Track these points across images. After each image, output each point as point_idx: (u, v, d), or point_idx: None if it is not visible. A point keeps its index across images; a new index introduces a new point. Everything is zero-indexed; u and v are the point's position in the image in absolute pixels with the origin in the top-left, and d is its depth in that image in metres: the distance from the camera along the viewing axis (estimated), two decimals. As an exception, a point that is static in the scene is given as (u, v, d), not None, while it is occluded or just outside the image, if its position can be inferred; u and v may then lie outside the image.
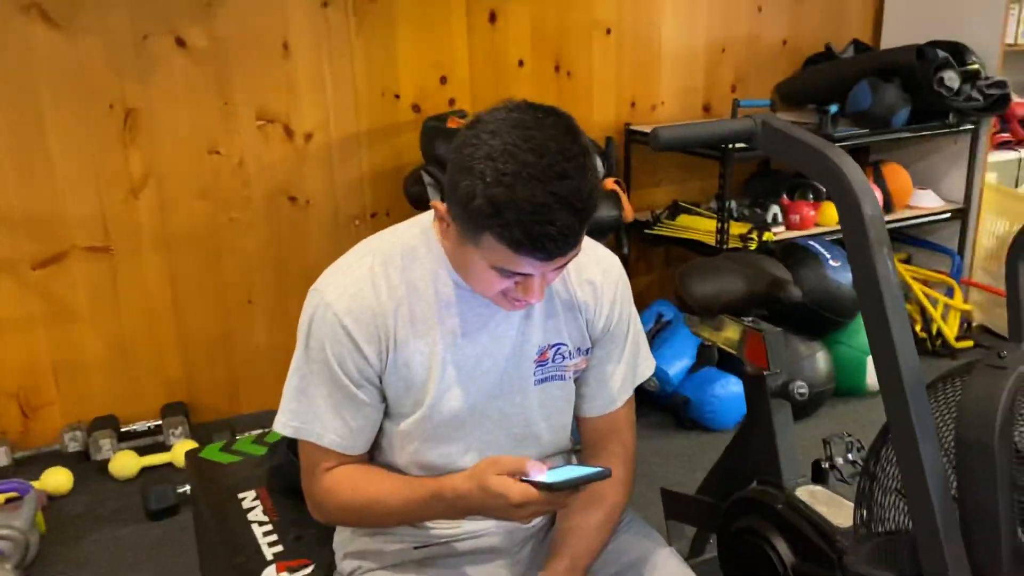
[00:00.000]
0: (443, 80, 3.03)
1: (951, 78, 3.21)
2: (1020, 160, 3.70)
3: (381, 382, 1.18)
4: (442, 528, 1.24)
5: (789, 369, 1.93)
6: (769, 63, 3.64)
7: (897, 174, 3.49)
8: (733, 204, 3.19)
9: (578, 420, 1.33)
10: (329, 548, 1.44)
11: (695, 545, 2.09)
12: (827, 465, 1.76)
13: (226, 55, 2.73)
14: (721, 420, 2.87)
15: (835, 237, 3.19)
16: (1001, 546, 1.19)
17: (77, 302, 2.73)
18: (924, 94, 3.20)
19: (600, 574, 1.27)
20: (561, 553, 1.21)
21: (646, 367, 1.35)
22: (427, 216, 1.22)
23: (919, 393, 1.21)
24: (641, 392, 3.13)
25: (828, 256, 2.94)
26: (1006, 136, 3.70)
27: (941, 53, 3.23)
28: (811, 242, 3.03)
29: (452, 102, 3.06)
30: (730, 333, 1.84)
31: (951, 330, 3.46)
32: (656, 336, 3.03)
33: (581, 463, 1.35)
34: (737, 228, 3.09)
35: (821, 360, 2.96)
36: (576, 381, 1.29)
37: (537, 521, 1.30)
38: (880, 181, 3.44)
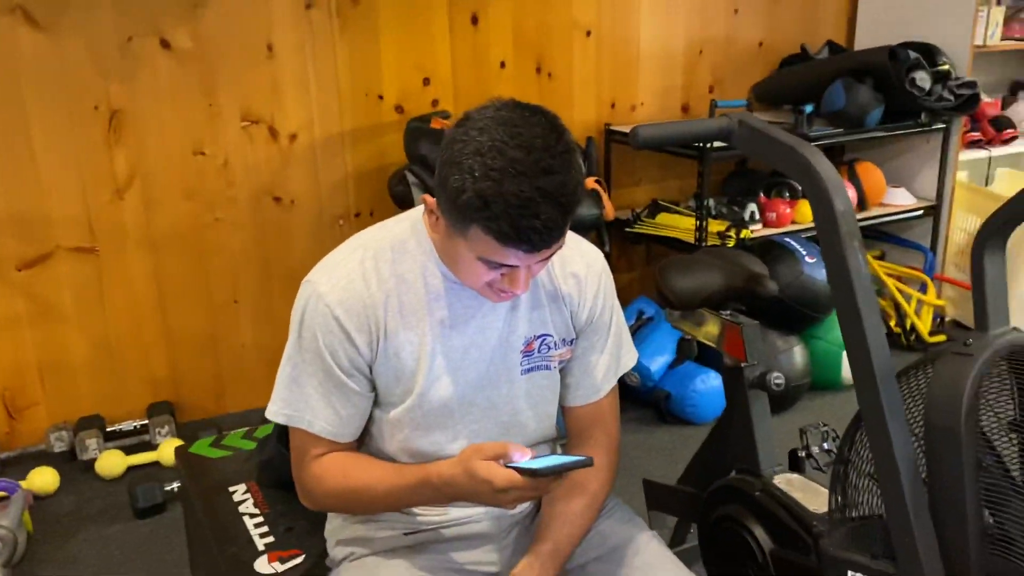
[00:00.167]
0: (426, 81, 3.07)
1: (922, 78, 3.29)
2: (990, 159, 3.78)
3: (371, 372, 1.22)
4: (431, 515, 1.28)
5: (766, 361, 1.99)
6: (746, 64, 3.70)
7: (871, 172, 3.56)
8: (711, 202, 3.24)
9: (563, 410, 1.38)
10: (319, 538, 1.47)
11: (677, 534, 2.13)
12: (803, 454, 1.81)
13: (211, 56, 2.75)
14: (701, 414, 2.92)
15: (811, 234, 3.25)
16: (968, 526, 1.25)
17: (63, 302, 2.74)
18: (896, 94, 3.27)
19: (584, 558, 1.31)
20: (545, 537, 1.25)
21: (629, 358, 1.40)
22: (417, 211, 1.26)
23: (889, 380, 1.27)
24: (623, 387, 3.19)
25: (804, 253, 3.00)
26: (976, 135, 3.78)
27: (913, 54, 3.31)
28: (787, 239, 3.09)
29: (435, 103, 3.10)
30: (710, 327, 1.89)
31: (924, 325, 3.54)
32: (637, 332, 3.08)
33: (565, 452, 1.40)
34: (715, 226, 3.15)
35: (798, 354, 3.02)
36: (561, 371, 1.34)
37: (523, 508, 1.35)
38: (855, 179, 3.51)
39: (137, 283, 2.82)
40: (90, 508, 2.54)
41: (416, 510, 1.28)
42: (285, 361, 1.23)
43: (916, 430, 1.31)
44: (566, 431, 1.40)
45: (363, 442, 1.29)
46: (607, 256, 3.16)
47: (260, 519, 1.59)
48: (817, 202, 1.27)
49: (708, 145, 2.95)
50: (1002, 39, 3.68)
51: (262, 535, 1.54)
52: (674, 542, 2.13)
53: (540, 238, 1.06)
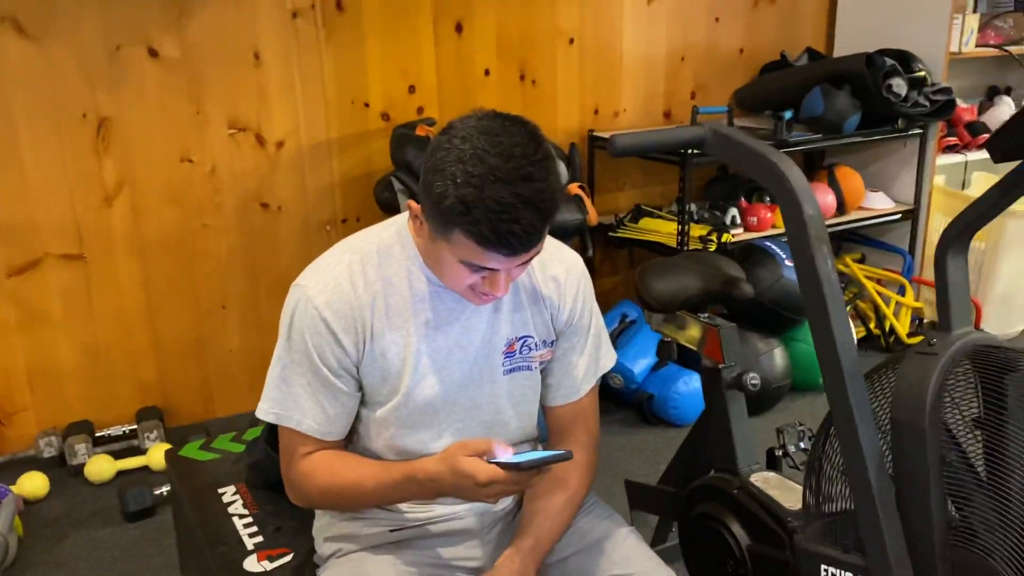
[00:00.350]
0: (411, 89, 3.11)
1: (899, 85, 3.35)
2: (966, 163, 3.86)
3: (358, 372, 1.26)
4: (416, 512, 1.32)
5: (745, 363, 2.04)
6: (727, 71, 3.76)
7: (850, 177, 3.62)
8: (693, 207, 3.30)
9: (545, 410, 1.42)
10: (306, 537, 1.51)
11: (658, 533, 2.18)
12: (780, 453, 1.86)
13: (198, 65, 2.78)
14: (684, 415, 2.97)
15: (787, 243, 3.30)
16: (933, 518, 1.29)
17: (51, 309, 2.77)
18: (874, 100, 3.33)
19: (564, 552, 1.36)
20: (526, 533, 1.30)
21: (608, 359, 1.44)
22: (402, 217, 1.30)
23: (857, 379, 1.31)
24: (606, 389, 3.25)
25: (784, 257, 3.06)
26: (953, 140, 3.85)
27: (889, 61, 3.37)
28: (768, 243, 3.15)
29: (420, 110, 3.14)
30: (692, 331, 1.93)
31: (903, 327, 3.60)
32: (620, 335, 3.13)
33: (546, 449, 1.44)
34: (697, 230, 3.20)
35: (778, 356, 3.08)
36: (542, 372, 1.38)
37: (505, 504, 1.39)
38: (834, 184, 3.57)
39: (125, 289, 2.85)
40: (80, 512, 2.56)
41: (402, 507, 1.32)
42: (275, 362, 1.27)
43: (884, 427, 1.36)
44: (547, 430, 1.44)
45: (350, 441, 1.33)
46: (590, 261, 3.22)
47: (249, 519, 1.62)
48: (787, 207, 1.32)
49: (689, 151, 3.00)
50: (976, 46, 3.75)
51: (251, 535, 1.57)
52: (656, 541, 2.17)
53: (519, 242, 1.10)
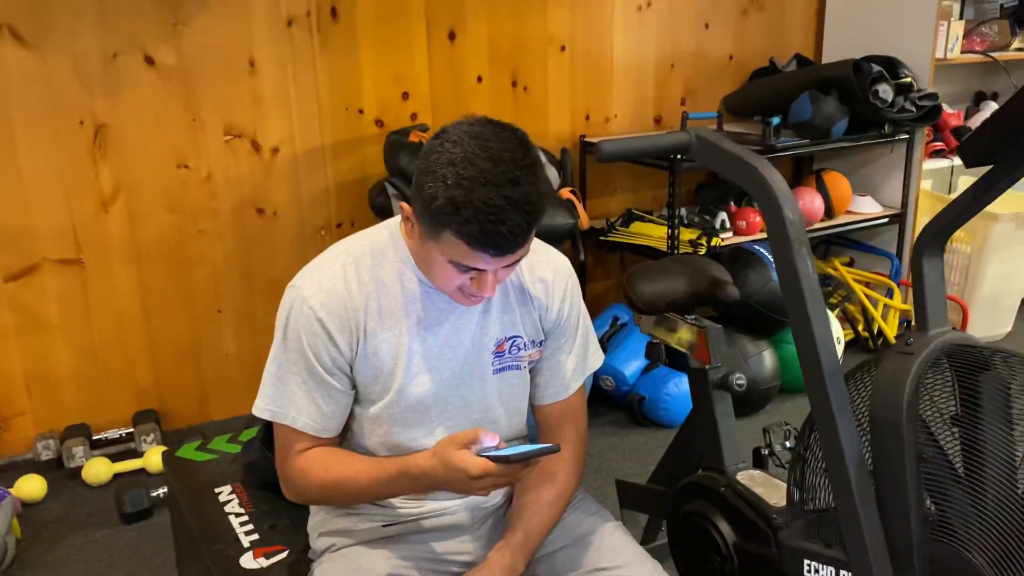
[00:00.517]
0: (405, 95, 3.15)
1: (885, 90, 3.40)
2: (952, 167, 3.91)
3: (352, 370, 1.30)
4: (409, 507, 1.36)
5: (732, 364, 2.08)
6: (716, 77, 3.81)
7: (838, 182, 3.66)
8: (683, 211, 3.34)
9: (534, 409, 1.46)
10: (301, 535, 1.55)
11: (648, 532, 2.21)
12: (766, 451, 1.89)
13: (194, 72, 2.82)
14: (674, 417, 3.01)
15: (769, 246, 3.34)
16: (911, 512, 1.33)
17: (49, 313, 2.80)
18: (860, 106, 3.38)
19: (552, 546, 1.39)
20: (516, 527, 1.33)
21: (595, 359, 1.48)
22: (394, 220, 1.34)
23: (837, 377, 1.35)
24: (598, 391, 3.28)
25: (773, 260, 3.10)
26: (939, 145, 3.90)
27: (876, 67, 3.42)
28: (757, 247, 3.19)
29: (414, 116, 3.18)
30: (680, 332, 1.97)
31: (891, 329, 3.64)
32: (612, 338, 3.17)
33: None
34: (687, 234, 3.24)
35: (768, 358, 3.12)
36: (531, 371, 1.42)
37: (496, 499, 1.42)
38: (822, 188, 3.61)
39: (122, 294, 2.88)
40: (77, 514, 2.59)
41: (395, 502, 1.36)
42: (271, 361, 1.31)
43: (863, 425, 1.40)
44: (537, 428, 1.48)
45: (344, 438, 1.37)
46: (582, 264, 3.27)
47: (245, 518, 1.66)
48: (768, 211, 1.36)
49: (678, 156, 3.04)
50: (961, 52, 3.80)
51: (247, 533, 1.61)
52: (646, 539, 2.20)
53: (506, 243, 1.15)
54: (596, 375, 3.10)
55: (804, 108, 3.38)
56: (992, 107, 4.19)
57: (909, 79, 3.48)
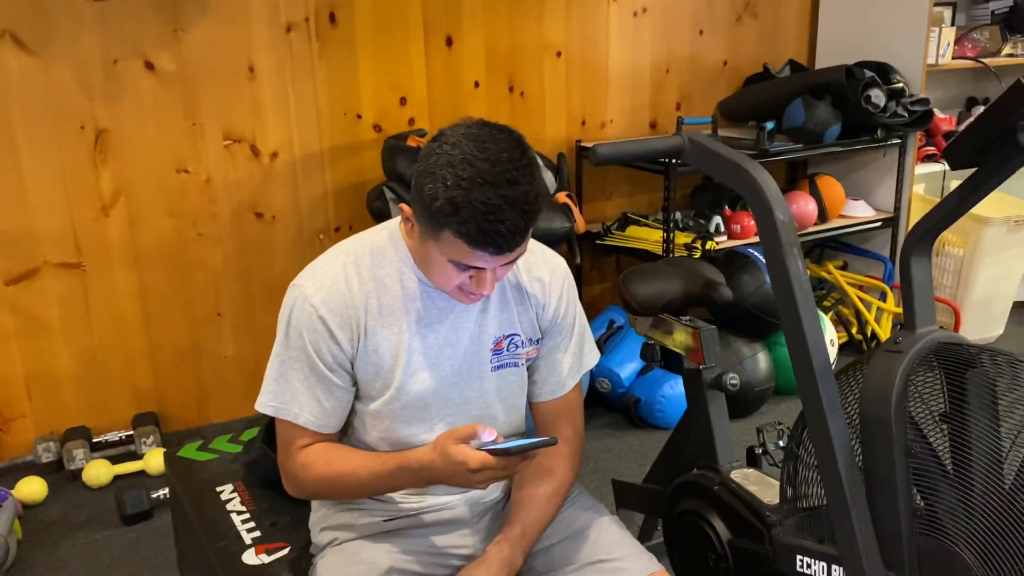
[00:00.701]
0: (403, 101, 3.18)
1: (877, 96, 3.44)
2: (944, 172, 3.94)
3: (353, 367, 1.33)
4: (410, 502, 1.39)
5: (726, 365, 2.10)
6: (711, 82, 3.84)
7: (831, 186, 3.70)
8: (678, 215, 3.37)
9: (532, 406, 1.49)
10: (302, 532, 1.57)
11: (644, 531, 2.24)
12: (760, 451, 1.92)
13: (194, 78, 2.85)
14: (669, 419, 3.04)
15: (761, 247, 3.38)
16: (900, 508, 1.36)
17: (49, 317, 2.82)
18: (853, 111, 3.42)
19: (550, 540, 1.42)
20: (514, 522, 1.36)
21: (591, 357, 1.51)
22: (394, 222, 1.37)
23: (827, 375, 1.38)
24: (594, 393, 3.31)
25: (764, 261, 3.13)
26: (931, 149, 3.94)
27: (868, 73, 3.46)
28: (751, 250, 3.23)
29: (412, 121, 3.21)
30: (675, 334, 2.00)
31: (884, 332, 3.68)
32: (608, 340, 3.20)
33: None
34: (682, 238, 3.27)
35: (762, 360, 3.15)
36: (529, 370, 1.45)
37: (495, 494, 1.45)
38: (816, 193, 3.65)
39: (122, 297, 2.90)
40: (78, 516, 2.61)
41: (396, 497, 1.39)
42: (273, 357, 1.34)
43: (853, 422, 1.43)
44: (534, 425, 1.51)
45: (345, 434, 1.40)
46: (578, 268, 3.30)
47: (247, 515, 1.68)
48: (760, 213, 1.39)
49: (673, 161, 3.08)
50: (953, 58, 3.85)
51: (249, 530, 1.63)
52: (642, 538, 2.22)
53: (505, 241, 1.18)
54: (593, 377, 3.13)
55: (797, 113, 3.42)
56: (983, 112, 4.23)
57: (901, 84, 3.53)
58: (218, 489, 1.78)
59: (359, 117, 3.13)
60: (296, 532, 1.60)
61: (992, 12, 4.21)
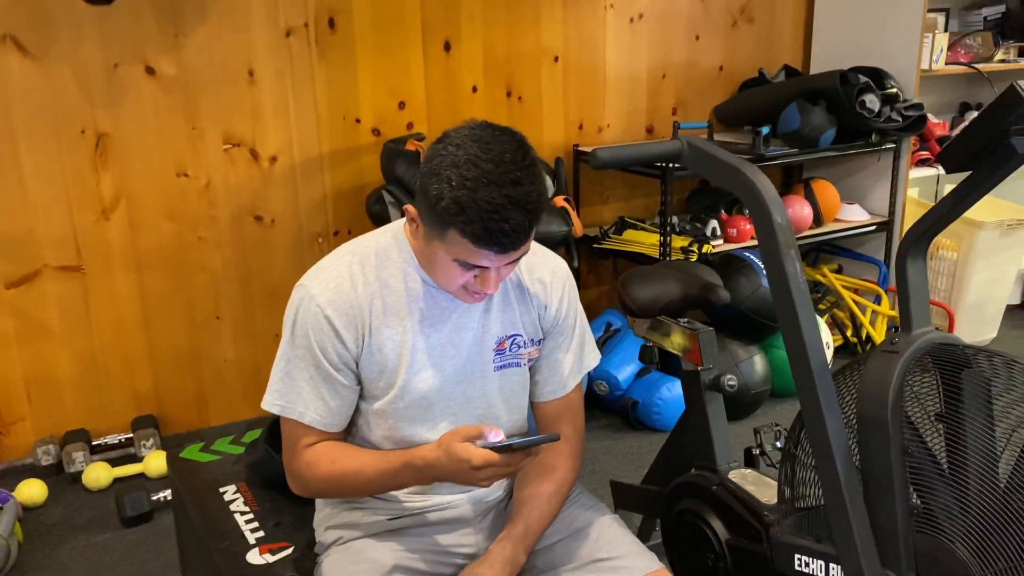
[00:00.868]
0: (401, 105, 3.20)
1: (872, 101, 3.47)
2: (938, 176, 3.98)
3: (357, 366, 1.34)
4: (413, 501, 1.41)
5: (721, 366, 2.12)
6: (707, 87, 3.87)
7: (826, 190, 3.73)
8: (675, 219, 3.39)
9: (533, 406, 1.51)
10: (305, 532, 1.59)
11: (642, 532, 2.25)
12: (757, 451, 1.94)
13: (194, 83, 2.87)
14: (667, 421, 3.05)
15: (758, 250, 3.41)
16: (897, 506, 1.38)
17: (49, 320, 2.83)
18: (848, 116, 3.45)
19: (552, 539, 1.44)
20: (516, 521, 1.38)
21: (592, 358, 1.53)
22: (398, 224, 1.39)
23: (825, 375, 1.40)
24: (592, 395, 3.32)
25: (762, 266, 3.15)
26: (925, 154, 3.98)
27: (862, 78, 3.49)
28: (747, 254, 3.25)
29: (410, 126, 3.23)
30: (673, 336, 2.02)
31: (879, 335, 3.71)
32: (605, 343, 3.22)
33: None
34: (679, 241, 3.30)
35: (758, 363, 3.17)
36: (530, 370, 1.47)
37: (497, 493, 1.47)
38: (811, 197, 3.68)
39: (122, 301, 2.92)
40: (78, 518, 2.62)
41: (400, 496, 1.40)
42: (279, 357, 1.36)
43: (851, 422, 1.45)
44: (536, 425, 1.53)
45: (349, 433, 1.42)
46: (576, 271, 3.31)
47: (250, 515, 1.69)
48: (757, 215, 1.41)
49: (669, 165, 3.10)
50: (946, 64, 3.88)
51: (253, 530, 1.65)
52: (640, 539, 2.24)
53: (510, 240, 1.20)
54: (590, 380, 3.15)
55: (793, 118, 3.44)
56: (977, 117, 4.27)
57: (895, 90, 3.56)
58: (221, 490, 1.79)
59: (358, 121, 3.14)
60: (299, 532, 1.62)
61: (985, 18, 4.25)
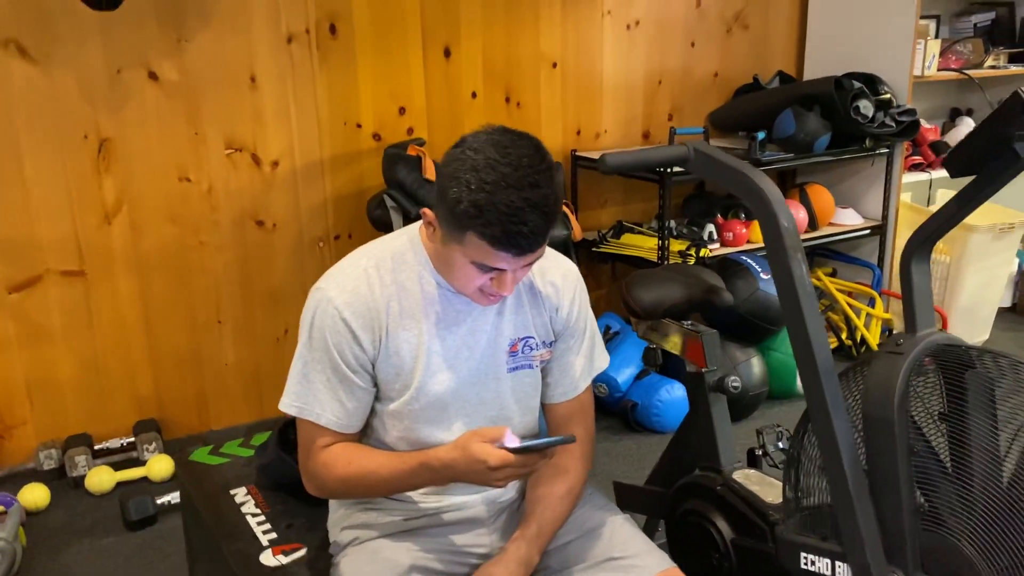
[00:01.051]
0: (401, 110, 3.22)
1: (866, 106, 3.51)
2: (931, 181, 4.03)
3: (374, 368, 1.36)
4: (428, 502, 1.42)
5: (725, 367, 2.15)
6: (702, 93, 3.91)
7: (821, 194, 3.77)
8: (672, 223, 3.43)
9: (545, 408, 1.53)
10: (317, 533, 1.60)
11: (646, 532, 2.27)
12: (760, 452, 1.97)
13: (196, 87, 2.88)
14: (666, 422, 3.08)
15: (765, 253, 3.44)
16: (903, 505, 1.41)
17: (51, 324, 2.83)
18: (842, 121, 3.49)
19: (564, 539, 1.46)
20: (530, 521, 1.40)
21: (602, 360, 1.56)
22: (413, 227, 1.41)
23: (831, 376, 1.43)
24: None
25: (759, 270, 3.19)
26: (918, 159, 4.02)
27: (856, 84, 3.54)
28: (744, 257, 3.28)
29: (410, 131, 3.25)
30: (676, 338, 2.05)
31: (874, 337, 3.74)
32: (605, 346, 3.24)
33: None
34: (676, 245, 3.32)
35: (756, 365, 3.20)
36: (542, 372, 1.49)
37: (510, 494, 1.49)
38: (806, 201, 3.72)
39: (124, 305, 2.92)
40: (82, 522, 2.62)
41: (415, 497, 1.42)
42: (296, 359, 1.37)
43: (856, 422, 1.47)
44: (547, 427, 1.55)
45: (364, 434, 1.43)
46: (576, 274, 3.31)
47: (262, 518, 1.71)
48: (764, 219, 1.44)
49: (668, 170, 3.13)
50: (938, 70, 3.93)
51: (265, 532, 1.66)
52: (643, 540, 2.26)
53: (527, 243, 1.22)
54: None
55: (788, 123, 3.48)
56: (967, 122, 4.33)
57: (889, 95, 3.60)
58: (232, 492, 1.81)
59: (359, 126, 3.16)
60: (311, 534, 1.63)
61: (975, 25, 4.31)
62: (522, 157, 1.22)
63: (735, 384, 1.90)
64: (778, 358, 3.31)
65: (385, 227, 2.95)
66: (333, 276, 1.37)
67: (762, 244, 3.51)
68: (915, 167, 4.02)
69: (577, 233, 3.03)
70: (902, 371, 1.41)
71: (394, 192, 2.94)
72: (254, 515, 1.72)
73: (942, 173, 4.00)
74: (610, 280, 3.80)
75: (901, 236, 3.89)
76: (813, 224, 3.72)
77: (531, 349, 1.44)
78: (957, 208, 1.43)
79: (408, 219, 2.89)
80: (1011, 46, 4.26)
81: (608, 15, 3.56)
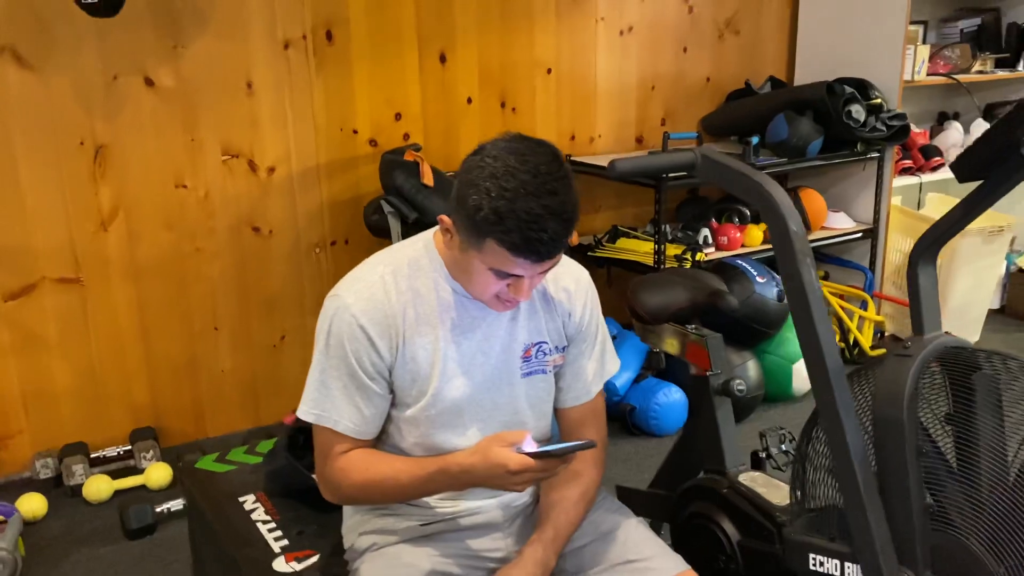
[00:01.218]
0: (398, 116, 3.23)
1: (857, 111, 3.55)
2: (921, 184, 4.07)
3: (391, 374, 1.37)
4: (445, 507, 1.43)
5: (729, 370, 2.16)
6: (695, 98, 3.94)
7: (813, 198, 3.80)
8: (667, 227, 3.44)
9: (558, 412, 1.54)
10: (328, 540, 1.60)
11: (649, 535, 2.28)
12: (764, 455, 1.98)
13: (193, 94, 2.87)
14: (664, 426, 3.10)
15: (759, 256, 3.48)
16: (912, 505, 1.42)
17: (47, 332, 2.81)
18: (834, 126, 3.52)
19: (580, 542, 1.47)
20: (546, 525, 1.41)
21: (613, 364, 1.57)
22: (427, 234, 1.42)
23: (841, 378, 1.44)
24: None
25: (755, 273, 3.21)
26: (908, 163, 4.06)
27: (848, 89, 3.57)
28: (739, 261, 3.31)
29: (406, 136, 3.25)
30: (680, 341, 2.06)
31: (866, 340, 3.78)
32: (602, 351, 3.25)
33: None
34: (672, 249, 3.34)
35: (752, 368, 3.22)
36: (555, 377, 1.49)
37: (525, 498, 1.50)
38: (798, 205, 3.75)
39: (120, 312, 2.91)
40: (80, 531, 2.60)
41: (431, 502, 1.42)
42: (314, 366, 1.37)
43: (866, 424, 1.49)
44: (560, 432, 1.56)
45: (380, 440, 1.44)
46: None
47: (272, 524, 1.70)
48: (773, 224, 1.45)
49: (666, 175, 3.15)
50: (927, 74, 3.98)
51: (276, 539, 1.66)
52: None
53: (546, 249, 1.23)
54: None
55: (781, 128, 3.51)
56: (955, 126, 4.38)
57: (879, 100, 3.64)
58: (240, 499, 1.80)
59: (355, 132, 3.16)
60: (323, 540, 1.63)
61: (961, 30, 4.36)
62: (540, 164, 1.23)
63: (740, 387, 1.92)
64: (773, 361, 3.33)
65: (383, 233, 2.95)
66: (350, 283, 1.37)
67: (756, 248, 3.55)
68: (905, 171, 4.06)
69: (573, 238, 3.04)
70: (911, 373, 1.43)
71: (392, 198, 2.94)
72: (264, 522, 1.72)
73: (931, 177, 4.05)
74: (606, 284, 3.81)
75: (892, 239, 3.93)
76: (806, 228, 3.74)
77: (544, 354, 1.44)
78: (963, 212, 1.45)
79: (406, 224, 2.89)
80: (997, 51, 4.32)
81: (601, 21, 3.58)
